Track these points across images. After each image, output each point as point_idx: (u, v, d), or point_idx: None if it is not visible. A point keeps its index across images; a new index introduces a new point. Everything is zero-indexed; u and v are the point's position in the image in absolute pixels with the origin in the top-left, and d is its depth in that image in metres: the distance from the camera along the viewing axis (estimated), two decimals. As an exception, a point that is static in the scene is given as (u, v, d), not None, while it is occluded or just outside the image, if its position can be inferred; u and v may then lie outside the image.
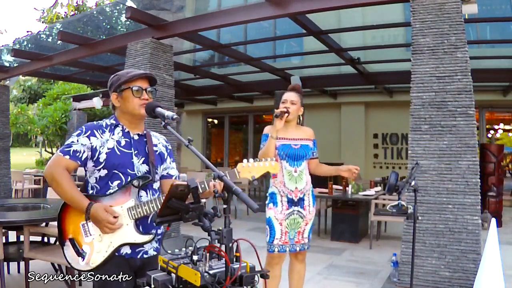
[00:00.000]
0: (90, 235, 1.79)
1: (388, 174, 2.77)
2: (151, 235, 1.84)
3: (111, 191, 1.83)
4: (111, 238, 1.78)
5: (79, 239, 1.80)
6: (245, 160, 1.78)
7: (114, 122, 1.92)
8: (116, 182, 1.83)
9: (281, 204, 2.86)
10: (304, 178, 2.89)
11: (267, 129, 2.91)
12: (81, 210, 1.76)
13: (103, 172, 1.83)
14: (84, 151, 1.81)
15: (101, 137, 1.85)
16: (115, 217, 1.75)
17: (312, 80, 8.69)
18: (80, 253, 1.79)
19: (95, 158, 1.82)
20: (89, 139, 1.82)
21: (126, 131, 1.92)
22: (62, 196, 1.80)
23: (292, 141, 2.89)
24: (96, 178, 1.85)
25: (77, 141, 1.81)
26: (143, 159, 1.91)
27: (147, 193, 1.88)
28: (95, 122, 1.93)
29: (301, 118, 3.02)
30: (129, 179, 1.84)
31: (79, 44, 6.31)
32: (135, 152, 1.90)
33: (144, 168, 1.90)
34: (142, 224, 1.85)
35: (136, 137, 1.93)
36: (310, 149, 2.95)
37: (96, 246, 1.78)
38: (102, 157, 1.81)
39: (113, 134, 1.88)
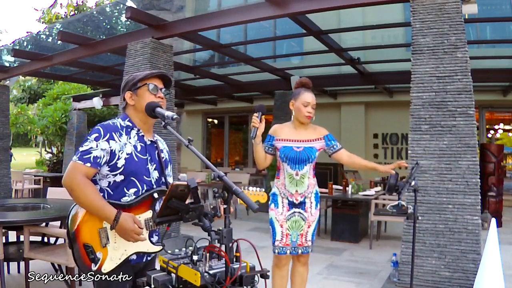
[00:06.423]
0: (107, 241, 1.74)
1: (388, 174, 2.77)
2: (162, 245, 1.81)
3: (127, 198, 1.77)
4: (126, 247, 1.75)
5: (95, 245, 1.74)
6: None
7: (129, 124, 1.86)
8: (132, 190, 1.79)
9: (281, 205, 2.82)
10: (305, 182, 2.79)
11: (271, 129, 2.90)
12: (106, 218, 1.70)
13: (119, 178, 1.77)
14: (103, 156, 1.73)
15: (119, 141, 1.78)
16: (140, 228, 1.72)
17: (312, 80, 8.62)
18: (93, 259, 1.73)
19: (112, 163, 1.75)
20: (109, 143, 1.74)
21: (141, 135, 1.88)
22: (84, 205, 1.71)
23: (295, 143, 2.79)
24: (109, 182, 1.78)
25: (97, 146, 1.72)
26: (155, 165, 1.89)
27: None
28: (111, 123, 1.83)
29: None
30: (144, 186, 1.81)
31: (79, 44, 6.31)
32: (149, 158, 1.87)
33: (155, 174, 1.88)
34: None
35: (148, 143, 1.91)
36: (315, 151, 2.82)
37: (110, 253, 1.74)
38: (120, 162, 1.76)
39: (130, 138, 1.83)
